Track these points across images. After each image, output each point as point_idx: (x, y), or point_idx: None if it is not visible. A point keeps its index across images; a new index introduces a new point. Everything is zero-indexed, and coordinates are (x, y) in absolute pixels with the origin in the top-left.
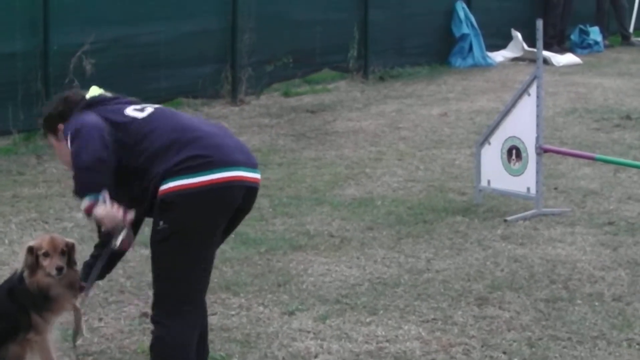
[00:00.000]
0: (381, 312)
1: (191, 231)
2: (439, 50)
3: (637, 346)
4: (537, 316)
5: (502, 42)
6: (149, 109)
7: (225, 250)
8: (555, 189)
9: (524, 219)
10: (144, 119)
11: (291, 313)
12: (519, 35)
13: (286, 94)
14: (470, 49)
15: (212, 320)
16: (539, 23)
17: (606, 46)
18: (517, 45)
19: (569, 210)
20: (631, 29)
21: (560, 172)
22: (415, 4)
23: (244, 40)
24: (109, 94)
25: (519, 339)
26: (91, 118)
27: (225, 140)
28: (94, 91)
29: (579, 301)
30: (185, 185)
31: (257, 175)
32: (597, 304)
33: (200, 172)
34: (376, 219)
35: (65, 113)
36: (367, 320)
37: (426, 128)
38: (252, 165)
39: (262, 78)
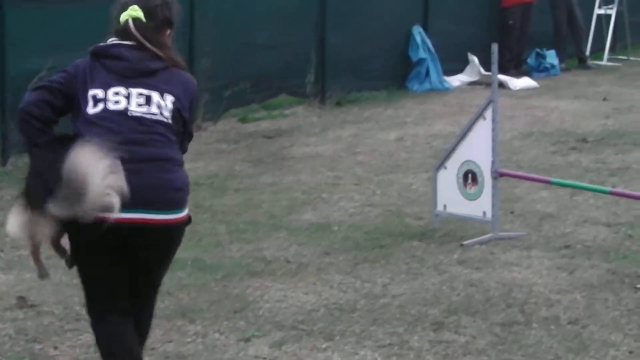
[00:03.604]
0: (337, 337)
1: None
2: (396, 75)
3: None
4: (493, 340)
5: (459, 66)
6: (110, 104)
7: (182, 277)
8: (512, 212)
9: (481, 243)
10: (89, 117)
11: (247, 339)
12: (476, 60)
13: (244, 120)
14: (427, 73)
15: (168, 347)
16: (494, 47)
17: (563, 69)
18: (473, 70)
19: (525, 234)
20: (588, 52)
21: (517, 196)
22: (372, 28)
23: (201, 65)
24: (134, 21)
25: None
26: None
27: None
28: (132, 12)
29: (535, 325)
30: None
31: (147, 216)
32: (553, 327)
33: None
34: (333, 244)
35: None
36: (324, 346)
37: (383, 153)
38: (142, 206)
39: (220, 103)
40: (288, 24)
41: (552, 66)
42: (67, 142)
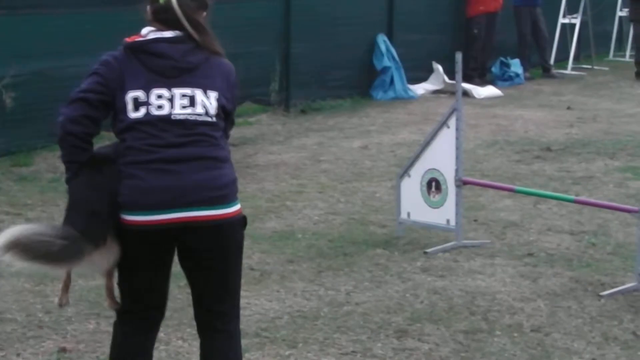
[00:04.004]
0: (301, 345)
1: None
2: (360, 83)
3: None
4: (456, 348)
5: (423, 74)
6: (153, 109)
7: None
8: (475, 220)
9: (444, 251)
10: (129, 123)
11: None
12: (440, 68)
13: None
14: (392, 81)
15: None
16: (458, 56)
17: (527, 78)
18: (438, 78)
19: (489, 242)
20: (552, 61)
21: (481, 204)
22: (337, 37)
23: None
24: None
25: None
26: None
27: (156, 180)
28: None
29: (498, 332)
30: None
31: (195, 214)
32: (516, 335)
33: (127, 212)
34: (297, 252)
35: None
36: (287, 353)
37: (347, 161)
38: (189, 204)
39: None
40: (252, 32)
41: (517, 75)
42: (104, 166)
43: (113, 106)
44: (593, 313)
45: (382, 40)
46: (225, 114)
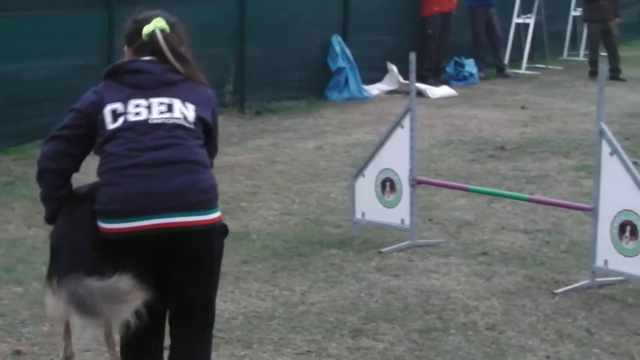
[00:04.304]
0: (255, 345)
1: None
2: (315, 84)
3: None
4: (411, 347)
5: (378, 75)
6: (130, 116)
7: None
8: (430, 220)
9: (399, 250)
10: (109, 133)
11: (165, 348)
12: (395, 69)
13: None
14: (347, 82)
15: (86, 357)
16: (412, 56)
17: (481, 78)
18: (392, 78)
19: (444, 241)
20: (506, 61)
21: (435, 204)
22: (292, 38)
23: None
24: (162, 32)
25: None
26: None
27: (135, 186)
28: (156, 24)
29: (452, 331)
30: (98, 226)
31: (175, 220)
32: (470, 333)
33: (101, 219)
34: (252, 253)
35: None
36: (242, 354)
37: (302, 162)
38: (168, 210)
39: None
40: (206, 33)
41: (471, 75)
42: (82, 204)
43: (94, 137)
44: (547, 311)
45: (337, 41)
46: (206, 128)
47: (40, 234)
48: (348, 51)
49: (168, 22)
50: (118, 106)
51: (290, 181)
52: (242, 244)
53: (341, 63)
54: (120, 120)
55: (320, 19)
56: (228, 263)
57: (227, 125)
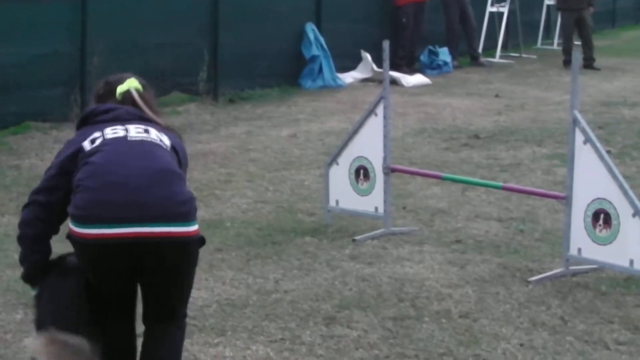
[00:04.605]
0: (229, 333)
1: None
2: (289, 72)
3: None
4: (384, 334)
5: (352, 63)
6: (109, 135)
7: None
8: (404, 208)
9: (372, 238)
10: (87, 151)
11: (138, 335)
12: (369, 57)
13: None
14: (320, 70)
15: None
16: (386, 44)
17: (455, 67)
18: (366, 67)
19: (417, 229)
20: (480, 50)
21: (409, 192)
22: (265, 26)
23: (93, 63)
24: (136, 91)
25: (366, 357)
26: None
27: (110, 194)
28: (130, 83)
29: (426, 319)
30: (71, 230)
31: (153, 229)
32: (444, 321)
33: (76, 224)
34: (225, 241)
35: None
36: (215, 341)
37: (276, 149)
38: (147, 219)
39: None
40: (180, 22)
41: (445, 63)
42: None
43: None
44: (521, 299)
45: (311, 29)
46: (180, 162)
47: (13, 221)
48: (322, 39)
49: (140, 83)
50: (96, 134)
51: (263, 169)
52: (215, 232)
53: (315, 51)
54: (98, 141)
55: (294, 7)
56: (202, 250)
57: (200, 114)
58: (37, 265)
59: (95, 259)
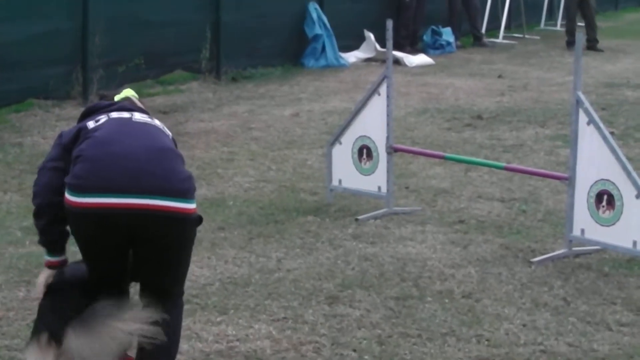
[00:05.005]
0: (232, 311)
1: (76, 240)
2: (291, 51)
3: (486, 342)
4: (387, 314)
5: (354, 43)
6: (113, 115)
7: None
8: (407, 188)
9: (375, 218)
10: (91, 128)
11: None
12: (372, 36)
13: (138, 95)
14: (323, 49)
15: None
16: (389, 23)
17: (458, 47)
18: (369, 46)
19: (420, 209)
20: (483, 30)
21: (412, 172)
22: (268, 5)
23: (95, 41)
24: (129, 98)
25: (369, 336)
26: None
27: (112, 164)
28: (128, 92)
29: (429, 298)
30: (66, 200)
31: (152, 202)
32: (447, 301)
33: (73, 193)
34: (227, 219)
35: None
36: (218, 319)
37: (278, 128)
38: (147, 192)
39: (114, 79)
40: (183, 0)
41: (448, 43)
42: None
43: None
44: (523, 279)
45: (314, 8)
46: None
47: (15, 199)
48: (325, 18)
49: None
50: (100, 117)
51: (266, 148)
52: (218, 211)
53: (318, 30)
54: (103, 120)
55: None
56: (204, 229)
57: (202, 92)
58: (54, 232)
59: (90, 229)
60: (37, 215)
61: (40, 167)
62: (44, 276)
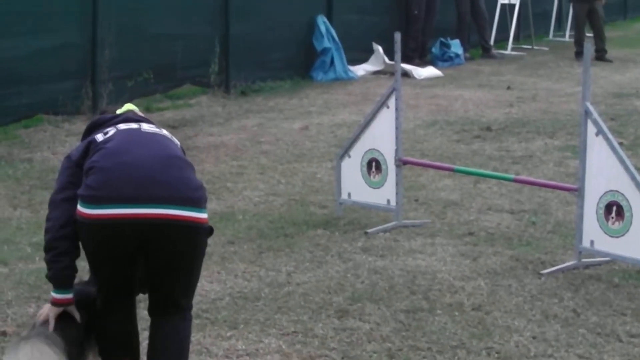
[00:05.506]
0: (242, 326)
1: (86, 253)
2: (300, 65)
3: (496, 355)
4: (397, 327)
5: (363, 55)
6: (121, 126)
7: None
8: (416, 200)
9: (385, 231)
10: (101, 141)
11: (145, 329)
12: (380, 49)
13: (148, 110)
14: (332, 62)
15: None
16: (397, 36)
17: (467, 59)
18: (378, 59)
19: (429, 222)
20: (492, 42)
21: (421, 184)
22: (277, 18)
23: (104, 55)
24: (132, 111)
25: (379, 350)
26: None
27: (124, 174)
28: (129, 106)
29: (439, 311)
30: (79, 212)
31: (166, 211)
32: (457, 313)
33: (86, 205)
34: (237, 233)
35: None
36: (228, 334)
37: (287, 142)
38: (160, 201)
39: (123, 94)
40: (191, 14)
41: (457, 55)
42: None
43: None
44: (533, 291)
45: (322, 21)
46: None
47: (25, 215)
48: (333, 31)
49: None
50: (109, 129)
51: (275, 161)
52: (227, 225)
53: (326, 43)
54: (112, 132)
55: None
56: (214, 243)
57: (212, 106)
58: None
59: (103, 240)
60: (47, 249)
61: (50, 200)
62: (47, 312)
